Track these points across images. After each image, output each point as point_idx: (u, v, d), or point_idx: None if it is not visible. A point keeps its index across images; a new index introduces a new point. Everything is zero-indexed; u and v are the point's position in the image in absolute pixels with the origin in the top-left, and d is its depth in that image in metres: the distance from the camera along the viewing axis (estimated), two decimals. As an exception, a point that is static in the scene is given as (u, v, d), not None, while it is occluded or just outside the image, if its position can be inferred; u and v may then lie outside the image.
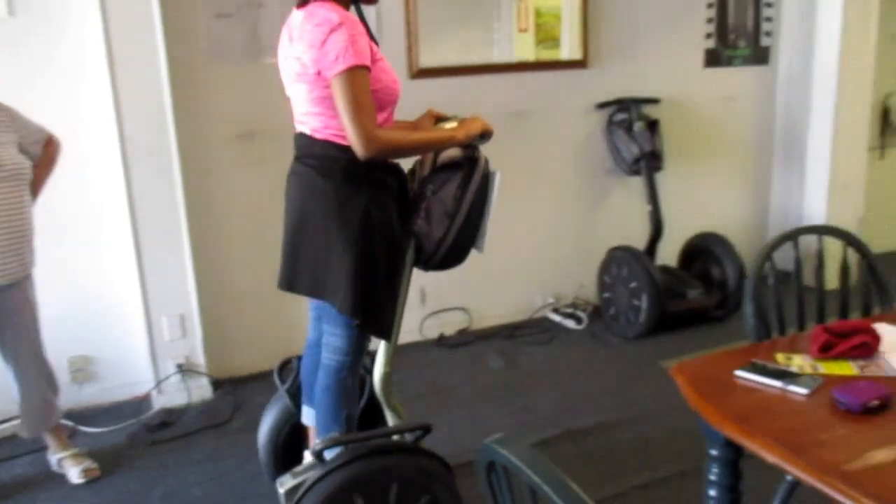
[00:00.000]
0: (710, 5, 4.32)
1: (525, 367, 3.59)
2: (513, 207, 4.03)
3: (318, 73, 1.95)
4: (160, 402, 3.29)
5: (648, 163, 3.96)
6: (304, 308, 3.65)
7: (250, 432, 3.04)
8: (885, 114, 4.93)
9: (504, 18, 4.02)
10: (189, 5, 3.25)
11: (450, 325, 3.98)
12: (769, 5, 4.47)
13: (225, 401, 3.35)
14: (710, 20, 4.34)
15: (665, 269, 3.97)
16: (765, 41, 4.51)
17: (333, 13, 1.93)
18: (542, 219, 4.14)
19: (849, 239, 2.14)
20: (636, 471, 2.67)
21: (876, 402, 1.47)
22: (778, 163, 4.66)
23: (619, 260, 3.89)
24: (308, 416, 2.37)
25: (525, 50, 4.07)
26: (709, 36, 4.36)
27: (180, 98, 3.18)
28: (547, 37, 4.08)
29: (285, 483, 2.16)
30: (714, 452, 1.68)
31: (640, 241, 4.03)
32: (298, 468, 2.22)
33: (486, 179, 2.18)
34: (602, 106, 4.08)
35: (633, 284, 3.76)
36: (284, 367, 2.48)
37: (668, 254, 4.15)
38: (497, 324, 4.06)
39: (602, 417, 3.04)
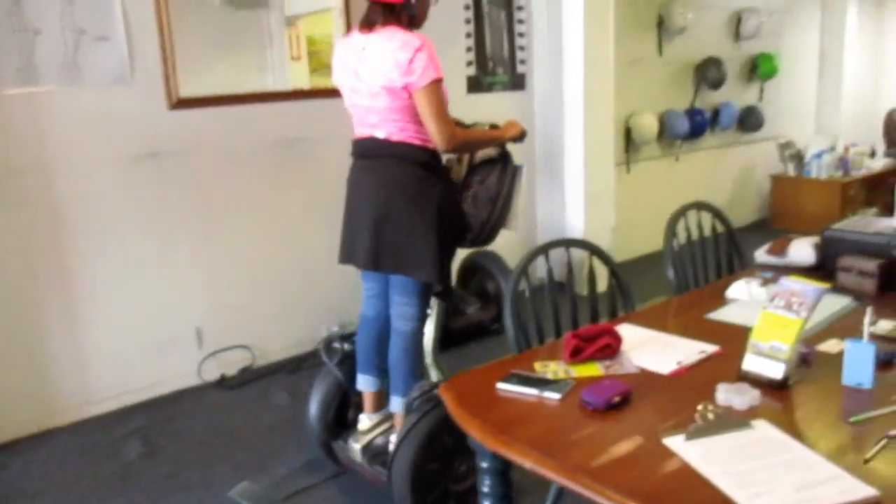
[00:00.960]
0: (468, 35, 4.56)
1: (312, 399, 3.52)
2: (288, 236, 3.96)
3: (404, 87, 2.31)
4: None
5: (421, 186, 4.07)
6: (66, 353, 3.34)
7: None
8: (628, 132, 5.48)
9: (276, 46, 3.97)
10: None
11: (231, 364, 3.80)
12: (521, 35, 4.80)
13: (-33, 478, 2.93)
14: (469, 49, 4.58)
15: (444, 289, 4.09)
16: (520, 68, 4.84)
17: (411, 36, 2.32)
18: (321, 246, 4.08)
19: (593, 249, 2.32)
20: (425, 491, 2.69)
21: (617, 399, 1.59)
22: (541, 180, 5.01)
23: (399, 283, 3.94)
24: (365, 383, 2.70)
25: (300, 78, 4.04)
26: (469, 64, 4.59)
27: None
28: (321, 65, 4.08)
29: (360, 439, 2.65)
30: (484, 465, 1.73)
31: (419, 262, 4.13)
32: (365, 427, 2.68)
33: (515, 171, 2.63)
34: (373, 132, 4.14)
35: (414, 306, 3.83)
36: (329, 346, 2.82)
37: (447, 273, 4.28)
38: (282, 358, 3.95)
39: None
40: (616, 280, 2.32)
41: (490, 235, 2.64)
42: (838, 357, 1.70)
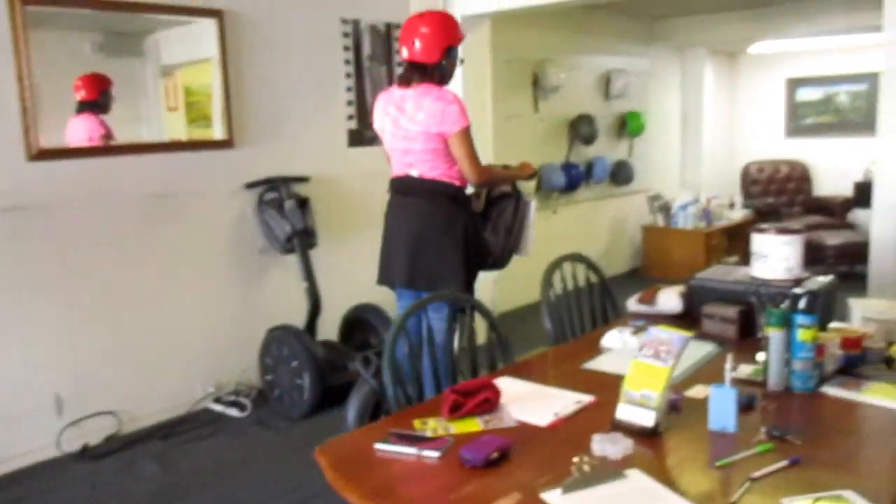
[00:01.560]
0: (349, 89, 4.57)
1: (184, 468, 3.30)
2: (159, 294, 3.77)
3: (438, 133, 2.79)
4: None
5: (302, 240, 4.00)
6: None
7: None
8: (507, 186, 5.63)
9: (152, 96, 3.83)
10: None
11: (95, 432, 3.53)
12: (402, 90, 4.87)
13: None
14: (350, 103, 4.59)
15: (326, 344, 4.00)
16: (401, 123, 4.89)
17: (443, 91, 2.84)
18: (196, 304, 3.93)
19: (472, 303, 2.33)
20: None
21: (496, 455, 1.58)
22: (423, 233, 5.03)
23: (278, 340, 3.82)
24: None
25: (177, 129, 3.92)
26: (350, 118, 4.60)
27: None
28: (199, 116, 3.98)
29: None
30: (363, 530, 1.67)
31: (301, 318, 4.03)
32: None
33: (527, 205, 3.13)
34: (251, 185, 4.05)
35: (294, 363, 3.72)
36: (366, 359, 3.26)
37: (331, 328, 4.21)
38: (152, 423, 3.71)
39: (270, 508, 2.91)
40: (495, 333, 2.33)
41: (507, 259, 3.16)
42: (704, 402, 1.76)
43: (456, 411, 1.81)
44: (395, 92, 2.96)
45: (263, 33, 4.11)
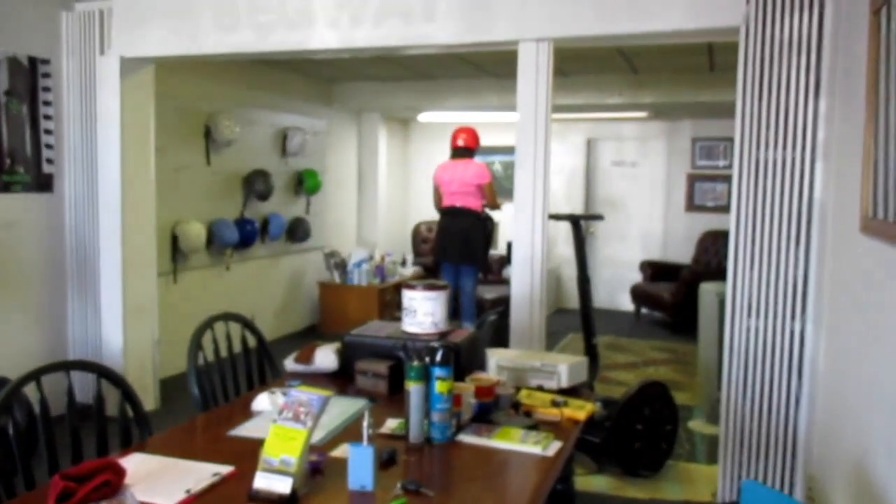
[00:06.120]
0: (-22, 127, 3.96)
1: None
2: None
3: (477, 184, 5.58)
4: None
5: None
6: None
7: None
8: (174, 240, 5.28)
9: None
10: None
11: None
12: (49, 132, 4.34)
13: None
14: (-21, 143, 3.97)
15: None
16: (47, 168, 4.35)
17: (480, 162, 5.80)
18: None
19: (101, 370, 2.08)
20: None
21: (106, 548, 1.37)
22: (72, 290, 4.47)
23: None
24: None
25: None
26: (-23, 159, 3.97)
27: None
28: None
29: None
30: None
31: None
32: None
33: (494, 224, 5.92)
34: None
35: None
36: None
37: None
38: None
39: None
40: (130, 404, 2.09)
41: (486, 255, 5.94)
42: (347, 462, 1.73)
43: (65, 501, 1.56)
44: (450, 162, 5.71)
45: None
